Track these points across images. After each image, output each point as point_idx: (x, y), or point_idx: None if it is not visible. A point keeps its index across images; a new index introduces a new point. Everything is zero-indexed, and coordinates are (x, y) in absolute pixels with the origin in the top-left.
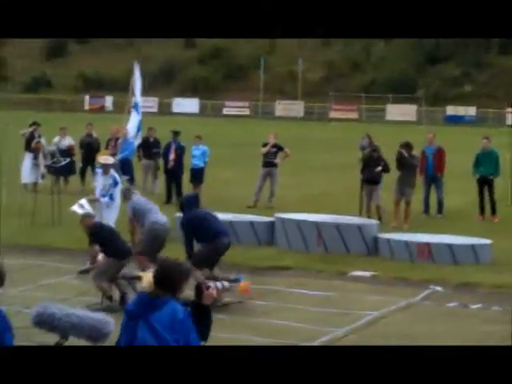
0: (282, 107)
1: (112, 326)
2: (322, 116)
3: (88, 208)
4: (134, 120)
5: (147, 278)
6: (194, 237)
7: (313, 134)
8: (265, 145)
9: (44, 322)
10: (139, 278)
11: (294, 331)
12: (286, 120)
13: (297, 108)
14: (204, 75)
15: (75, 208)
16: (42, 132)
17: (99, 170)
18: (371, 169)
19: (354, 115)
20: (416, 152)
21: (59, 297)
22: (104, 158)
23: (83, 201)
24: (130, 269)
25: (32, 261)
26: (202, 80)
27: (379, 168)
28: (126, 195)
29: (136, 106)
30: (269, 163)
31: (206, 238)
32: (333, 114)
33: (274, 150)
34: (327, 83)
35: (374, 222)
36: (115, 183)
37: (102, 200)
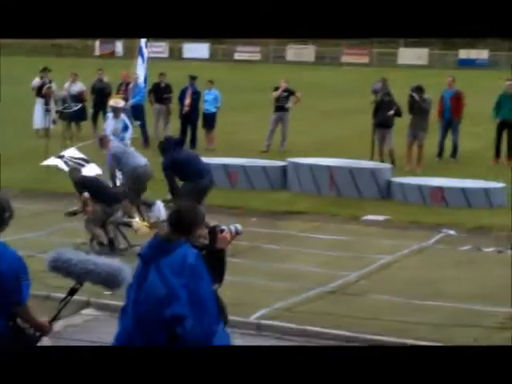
0: (293, 52)
1: (127, 273)
2: (333, 60)
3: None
4: (140, 65)
5: (137, 223)
6: (176, 178)
7: (324, 78)
8: (276, 89)
9: (60, 267)
10: (129, 225)
11: (308, 275)
12: (297, 65)
13: (308, 52)
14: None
15: (59, 163)
16: (52, 78)
17: (110, 115)
18: (383, 113)
19: (365, 59)
20: (428, 95)
21: (74, 241)
22: (115, 101)
23: (69, 154)
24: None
25: (45, 206)
26: None
27: (391, 112)
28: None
29: (141, 51)
30: (280, 108)
31: (188, 178)
32: (344, 59)
33: (286, 94)
34: None
35: (387, 165)
36: (125, 127)
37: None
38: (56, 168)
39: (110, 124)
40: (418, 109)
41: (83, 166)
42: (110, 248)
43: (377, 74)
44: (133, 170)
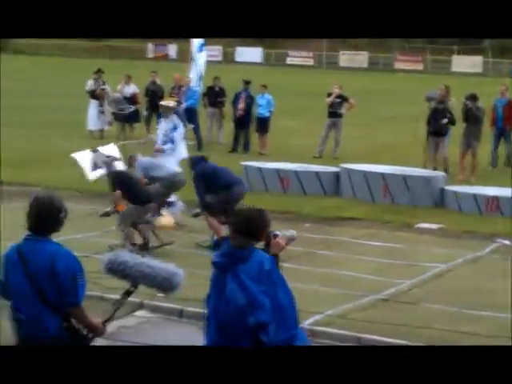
0: (346, 57)
1: (181, 277)
2: (386, 67)
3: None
4: (194, 68)
5: (165, 219)
6: (206, 188)
7: (378, 84)
8: (329, 95)
9: (116, 269)
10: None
11: (361, 282)
12: (350, 70)
13: (361, 58)
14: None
15: (78, 158)
16: (105, 79)
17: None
18: (437, 121)
19: (419, 66)
20: (481, 104)
21: (111, 243)
22: (165, 102)
23: (104, 151)
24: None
25: (97, 207)
26: None
27: (445, 120)
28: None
29: (197, 53)
30: (333, 114)
31: (217, 189)
32: (397, 65)
33: (339, 100)
34: None
35: (441, 174)
36: (175, 127)
37: (165, 147)
38: (76, 162)
39: (161, 125)
40: (472, 117)
41: (112, 163)
42: (144, 248)
43: (431, 81)
44: (171, 177)
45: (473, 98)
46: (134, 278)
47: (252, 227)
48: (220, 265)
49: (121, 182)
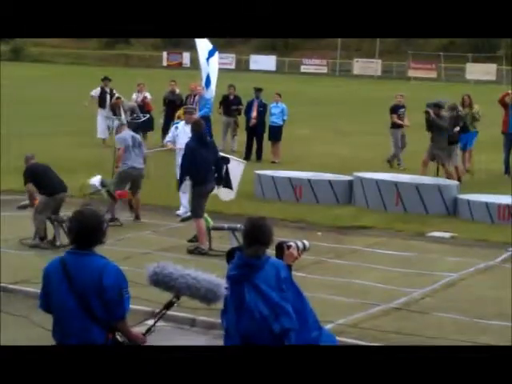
0: (359, 65)
1: (224, 288)
2: (400, 75)
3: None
4: (204, 76)
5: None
6: None
7: (391, 92)
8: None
9: (160, 281)
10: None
11: (372, 291)
12: (363, 78)
13: (374, 66)
14: None
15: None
16: (112, 87)
17: (177, 125)
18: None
19: (432, 74)
20: (446, 112)
21: (140, 251)
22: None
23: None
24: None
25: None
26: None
27: (457, 128)
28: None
29: (207, 59)
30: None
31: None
32: (411, 73)
33: (403, 110)
34: (405, 41)
35: (454, 182)
36: None
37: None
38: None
39: (183, 131)
40: (435, 127)
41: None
42: (52, 244)
43: (445, 89)
44: (125, 169)
45: (436, 106)
46: (178, 289)
47: (267, 235)
48: (237, 277)
49: (32, 175)
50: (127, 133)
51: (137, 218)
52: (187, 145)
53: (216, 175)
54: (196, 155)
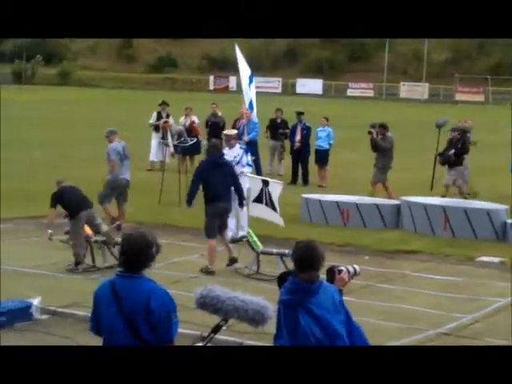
0: (406, 89)
1: (272, 310)
2: (446, 98)
3: None
4: (247, 101)
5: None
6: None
7: (438, 116)
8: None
9: (208, 303)
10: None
11: (421, 316)
12: (410, 102)
13: (421, 90)
14: (327, 56)
15: None
16: (169, 112)
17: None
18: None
19: (480, 98)
20: (390, 134)
21: (188, 275)
22: (228, 130)
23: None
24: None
25: (160, 239)
26: (326, 60)
27: (452, 151)
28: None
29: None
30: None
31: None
32: (458, 97)
33: (469, 134)
34: (453, 65)
35: (503, 206)
36: (245, 151)
37: (244, 170)
38: None
39: (226, 152)
40: (378, 148)
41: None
42: (92, 267)
43: (493, 113)
44: (113, 179)
45: (381, 126)
46: (226, 312)
47: (319, 259)
48: (292, 302)
49: (58, 198)
50: (120, 143)
51: (118, 228)
52: (199, 164)
53: (237, 198)
54: (208, 176)
